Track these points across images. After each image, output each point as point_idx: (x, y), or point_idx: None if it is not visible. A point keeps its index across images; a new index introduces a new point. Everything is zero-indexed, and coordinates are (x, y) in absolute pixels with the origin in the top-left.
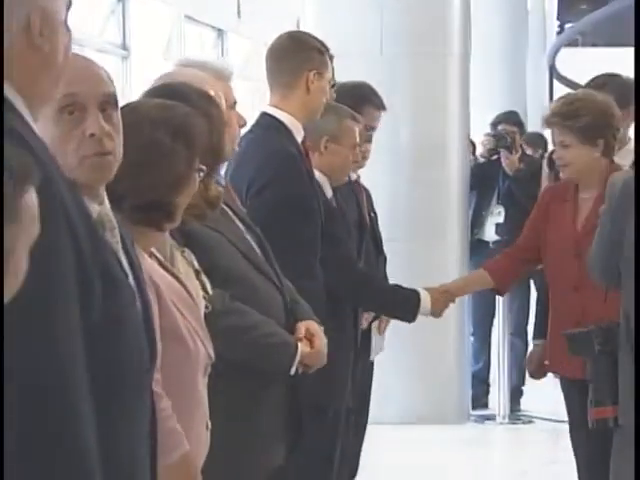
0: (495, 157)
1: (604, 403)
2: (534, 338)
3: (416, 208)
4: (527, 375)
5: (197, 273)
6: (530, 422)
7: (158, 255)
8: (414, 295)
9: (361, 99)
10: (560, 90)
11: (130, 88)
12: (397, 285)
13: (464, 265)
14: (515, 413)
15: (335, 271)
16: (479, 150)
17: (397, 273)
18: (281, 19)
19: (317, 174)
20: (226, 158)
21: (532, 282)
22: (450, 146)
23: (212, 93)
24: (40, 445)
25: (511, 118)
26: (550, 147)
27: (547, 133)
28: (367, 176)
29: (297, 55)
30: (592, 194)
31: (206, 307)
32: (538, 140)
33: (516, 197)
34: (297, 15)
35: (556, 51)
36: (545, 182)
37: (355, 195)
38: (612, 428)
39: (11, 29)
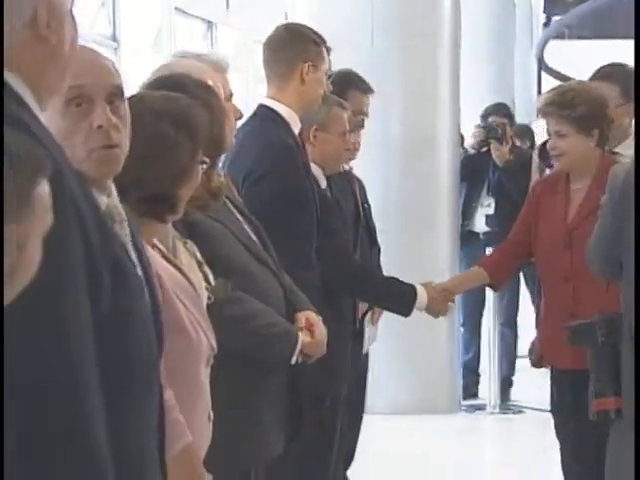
0: (485, 149)
1: (606, 394)
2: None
3: (407, 200)
4: (516, 365)
5: (199, 264)
6: (520, 412)
7: (161, 246)
8: (411, 289)
9: (346, 85)
10: (548, 82)
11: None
12: (393, 278)
13: (454, 256)
14: (505, 403)
15: (330, 262)
16: (469, 142)
17: (388, 264)
18: (270, 11)
19: (311, 165)
20: (227, 149)
21: (522, 274)
22: (440, 138)
23: (211, 84)
24: (51, 441)
25: (501, 110)
26: (537, 139)
27: (535, 125)
28: (358, 168)
29: (292, 46)
30: (584, 184)
31: (208, 298)
32: (526, 132)
33: (506, 188)
34: (285, 7)
35: (544, 44)
36: (535, 173)
37: (350, 186)
38: (612, 419)
39: (18, 22)
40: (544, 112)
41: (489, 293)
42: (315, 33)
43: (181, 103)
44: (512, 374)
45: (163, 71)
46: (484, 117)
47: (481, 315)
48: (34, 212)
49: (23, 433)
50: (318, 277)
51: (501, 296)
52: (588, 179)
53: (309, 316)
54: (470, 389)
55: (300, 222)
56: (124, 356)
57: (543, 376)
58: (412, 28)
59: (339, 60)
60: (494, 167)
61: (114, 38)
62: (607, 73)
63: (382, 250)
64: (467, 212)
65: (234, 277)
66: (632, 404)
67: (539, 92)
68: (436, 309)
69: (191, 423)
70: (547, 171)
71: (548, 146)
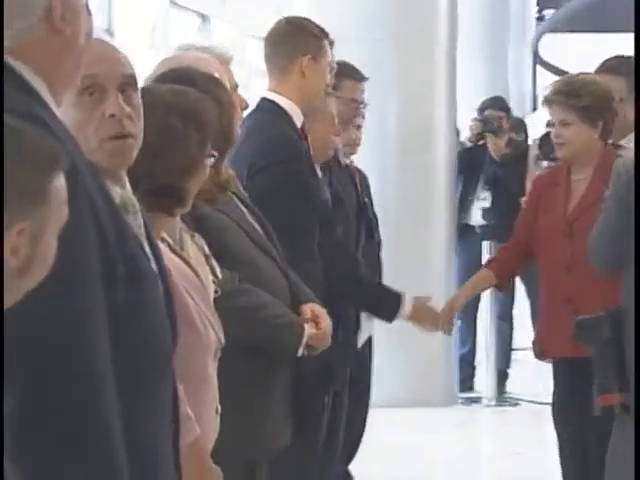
0: (482, 142)
1: (610, 390)
2: None
3: (403, 193)
4: (512, 358)
5: (207, 257)
6: (516, 404)
7: (169, 240)
8: (396, 298)
9: (339, 74)
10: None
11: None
12: (381, 285)
13: (451, 249)
14: (501, 395)
15: (328, 257)
16: (465, 135)
17: (385, 257)
18: (264, 5)
19: None
20: (235, 142)
21: None
22: (437, 131)
23: (218, 76)
24: (65, 431)
25: (498, 103)
26: (530, 133)
27: (529, 119)
28: (355, 161)
29: (292, 40)
30: (585, 175)
31: (215, 291)
32: (520, 125)
33: (502, 182)
34: (279, 1)
35: (539, 37)
36: (532, 166)
37: (352, 180)
38: (616, 414)
39: (33, 17)
40: (551, 100)
41: None
42: (317, 26)
43: (190, 97)
44: (508, 367)
45: (169, 64)
46: (481, 110)
47: (477, 308)
48: (50, 206)
49: (38, 422)
50: (320, 270)
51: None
52: (589, 170)
53: (314, 308)
54: (466, 382)
55: (303, 215)
56: (141, 347)
57: (538, 368)
58: (408, 22)
59: (335, 55)
60: (490, 160)
61: (109, 32)
62: (612, 66)
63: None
64: (463, 205)
65: (241, 269)
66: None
67: (534, 85)
68: (420, 321)
69: (199, 417)
70: (545, 164)
71: (552, 134)
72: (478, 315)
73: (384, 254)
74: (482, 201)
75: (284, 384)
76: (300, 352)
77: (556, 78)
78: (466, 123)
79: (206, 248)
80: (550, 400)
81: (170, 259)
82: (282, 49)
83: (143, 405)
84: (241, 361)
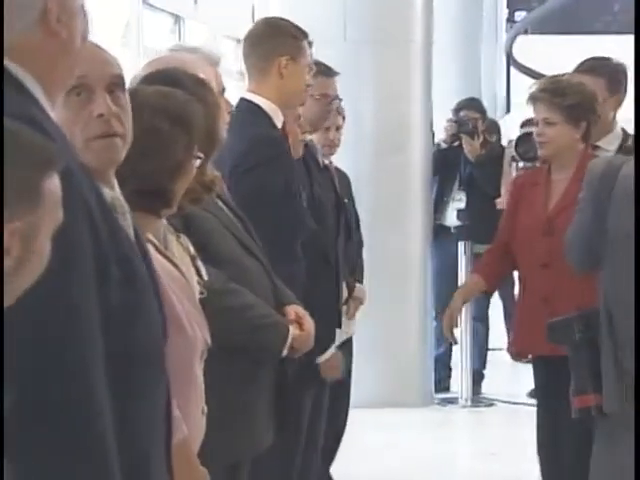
0: (457, 143)
1: (586, 391)
2: None
3: (379, 194)
4: (488, 358)
5: (193, 258)
6: (491, 405)
7: (155, 241)
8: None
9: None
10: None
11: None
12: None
13: (426, 250)
14: (477, 396)
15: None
16: (440, 136)
17: None
18: (238, 5)
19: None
20: (221, 144)
21: None
22: (413, 132)
23: (204, 77)
24: (57, 430)
25: (473, 105)
26: (504, 135)
27: (502, 121)
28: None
29: (270, 40)
30: (566, 175)
31: (201, 293)
32: (493, 127)
33: (478, 183)
34: (253, 1)
35: (513, 39)
36: (507, 167)
37: (331, 180)
38: (595, 416)
39: (28, 19)
40: (535, 97)
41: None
42: (295, 27)
43: (177, 99)
44: (484, 367)
45: (157, 65)
46: (456, 111)
47: None
48: (44, 207)
49: (31, 420)
50: (303, 271)
51: None
52: (570, 170)
53: (297, 310)
54: (442, 383)
55: (287, 215)
56: (134, 347)
57: (513, 369)
58: (385, 23)
59: (312, 54)
60: (466, 161)
61: None
62: (591, 66)
63: None
64: (439, 206)
65: (227, 269)
66: (615, 400)
67: (508, 87)
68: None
69: (186, 417)
70: (521, 164)
71: (535, 132)
72: None
73: None
74: (457, 202)
75: (268, 384)
76: (285, 352)
77: (530, 81)
78: (440, 124)
79: (192, 249)
80: (522, 400)
81: (156, 259)
82: (260, 50)
83: (138, 403)
84: (226, 362)
